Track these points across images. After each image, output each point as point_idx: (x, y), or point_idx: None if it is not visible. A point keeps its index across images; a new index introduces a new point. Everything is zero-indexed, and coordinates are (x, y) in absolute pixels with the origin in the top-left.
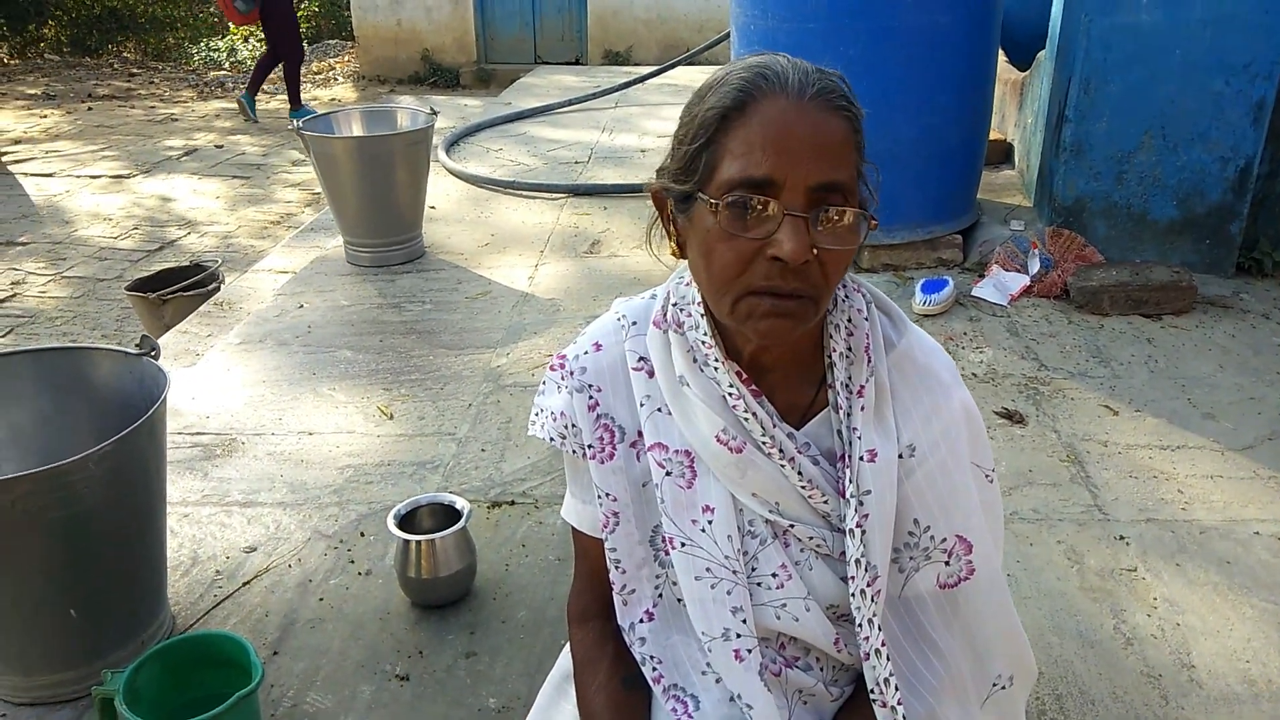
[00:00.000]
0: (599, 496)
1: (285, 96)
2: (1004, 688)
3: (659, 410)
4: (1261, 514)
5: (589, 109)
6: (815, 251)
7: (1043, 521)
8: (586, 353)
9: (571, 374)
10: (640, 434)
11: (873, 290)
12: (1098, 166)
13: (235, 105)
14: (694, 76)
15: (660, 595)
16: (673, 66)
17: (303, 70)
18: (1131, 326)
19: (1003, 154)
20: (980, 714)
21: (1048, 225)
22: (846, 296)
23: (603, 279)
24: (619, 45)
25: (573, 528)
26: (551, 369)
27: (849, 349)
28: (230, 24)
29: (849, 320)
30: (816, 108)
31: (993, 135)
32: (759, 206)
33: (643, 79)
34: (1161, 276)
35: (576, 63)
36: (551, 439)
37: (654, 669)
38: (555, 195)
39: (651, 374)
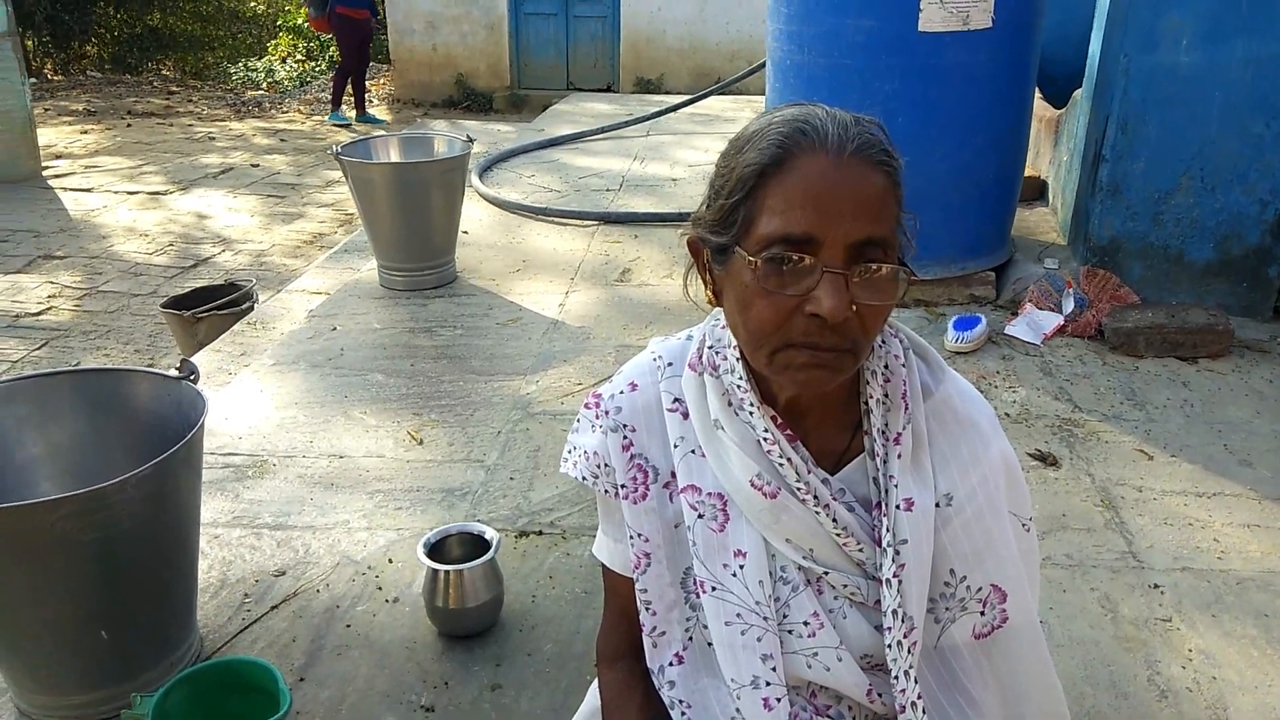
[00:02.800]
0: (631, 537)
1: (320, 118)
2: None
3: (693, 452)
4: None
5: (620, 137)
6: (854, 307)
7: (1076, 568)
8: (622, 392)
9: (607, 413)
10: (674, 475)
11: (910, 335)
12: (1134, 207)
13: (284, 124)
14: (726, 106)
15: (690, 638)
16: (705, 96)
17: (346, 86)
18: (1167, 369)
19: (1037, 191)
20: None
21: (1082, 264)
22: (884, 342)
23: (633, 308)
24: (651, 73)
25: (603, 566)
26: (586, 407)
27: (886, 395)
28: (312, 30)
29: (886, 366)
30: (857, 164)
31: (1027, 172)
32: (798, 263)
33: (675, 108)
34: (1198, 319)
35: (609, 90)
36: (584, 478)
37: (682, 713)
38: (586, 222)
39: (686, 415)
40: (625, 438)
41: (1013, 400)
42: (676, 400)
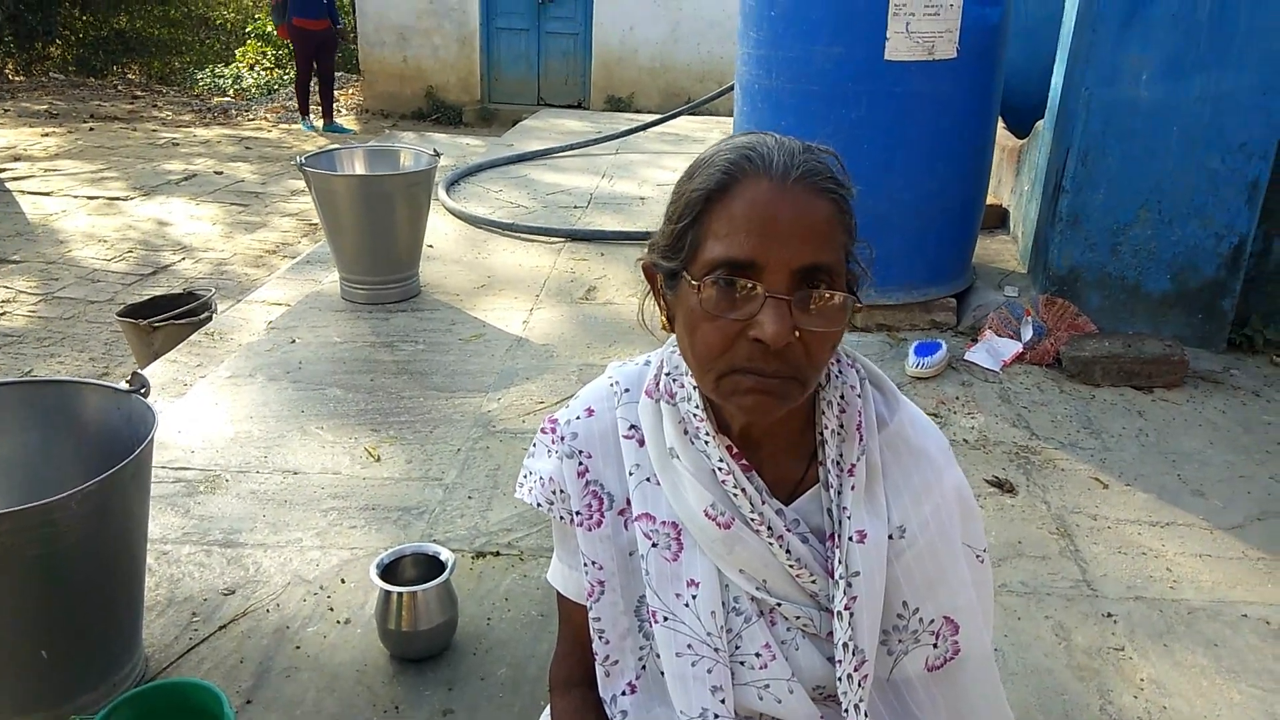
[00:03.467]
0: (585, 564)
1: (287, 126)
2: None
3: (648, 480)
4: (1250, 596)
5: (589, 154)
6: (798, 333)
7: (1031, 595)
8: (579, 418)
9: (562, 439)
10: (629, 503)
11: (867, 365)
12: (1093, 237)
13: (250, 132)
14: (695, 127)
15: (644, 667)
16: (674, 116)
17: (312, 94)
18: (1123, 398)
19: (998, 219)
20: None
21: (1041, 293)
22: (840, 373)
23: (597, 326)
24: (621, 91)
25: (558, 593)
26: (543, 431)
27: (841, 426)
28: (280, 39)
29: (842, 397)
30: (801, 190)
31: (989, 200)
32: (742, 288)
33: (645, 127)
34: (1154, 349)
35: (579, 106)
36: (539, 504)
37: None
38: (553, 239)
39: (642, 443)
40: (580, 464)
41: (971, 426)
42: (633, 427)
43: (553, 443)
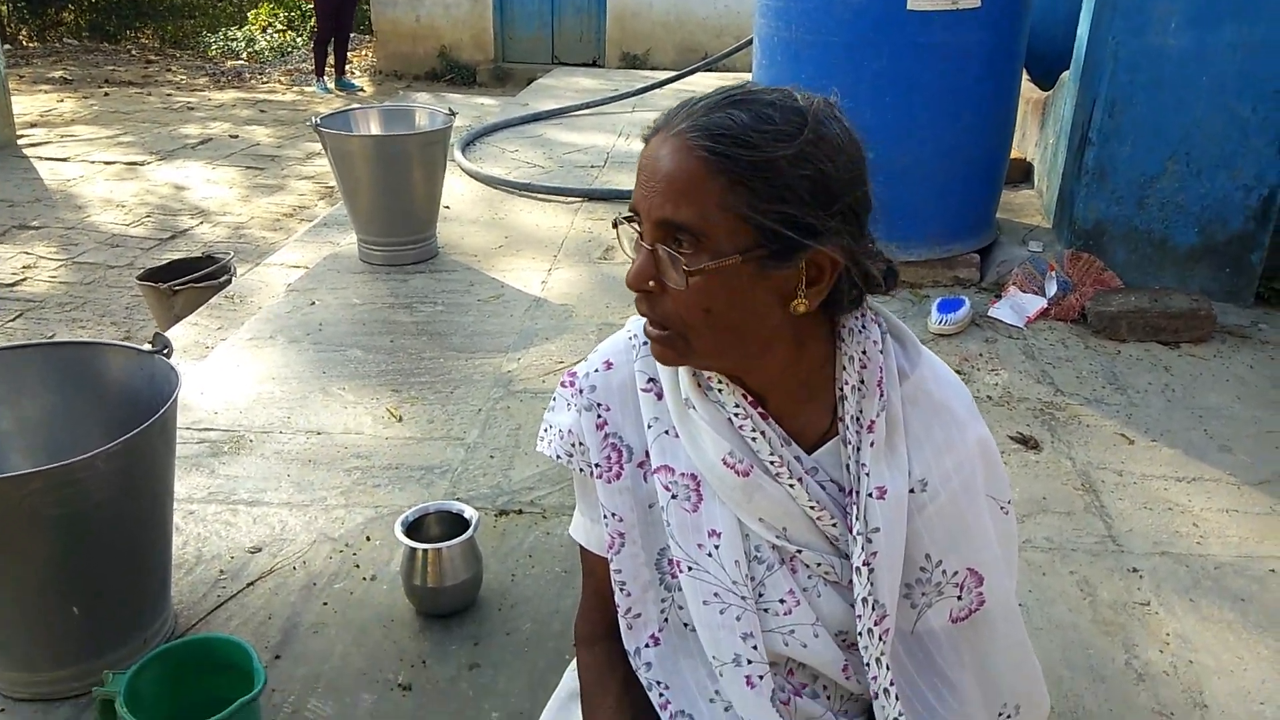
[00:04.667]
0: (605, 516)
1: (301, 88)
2: (1009, 717)
3: (666, 433)
4: (1277, 551)
5: (605, 113)
6: (652, 284)
7: (1055, 551)
8: (597, 370)
9: (581, 392)
10: (648, 455)
11: (889, 318)
12: (1120, 190)
13: (265, 95)
14: (712, 83)
15: (666, 620)
16: (691, 73)
17: (329, 55)
18: (1149, 354)
19: (1022, 173)
20: None
21: (1067, 248)
22: (863, 327)
23: (616, 286)
24: (637, 48)
25: (580, 546)
26: (562, 385)
27: (861, 382)
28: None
29: (864, 353)
30: (674, 145)
31: (1013, 154)
32: (635, 232)
33: (661, 84)
34: (1180, 304)
35: (594, 64)
36: (559, 456)
37: (660, 694)
38: (570, 199)
39: (660, 396)
40: (599, 416)
41: (995, 383)
42: (651, 380)
43: (571, 396)
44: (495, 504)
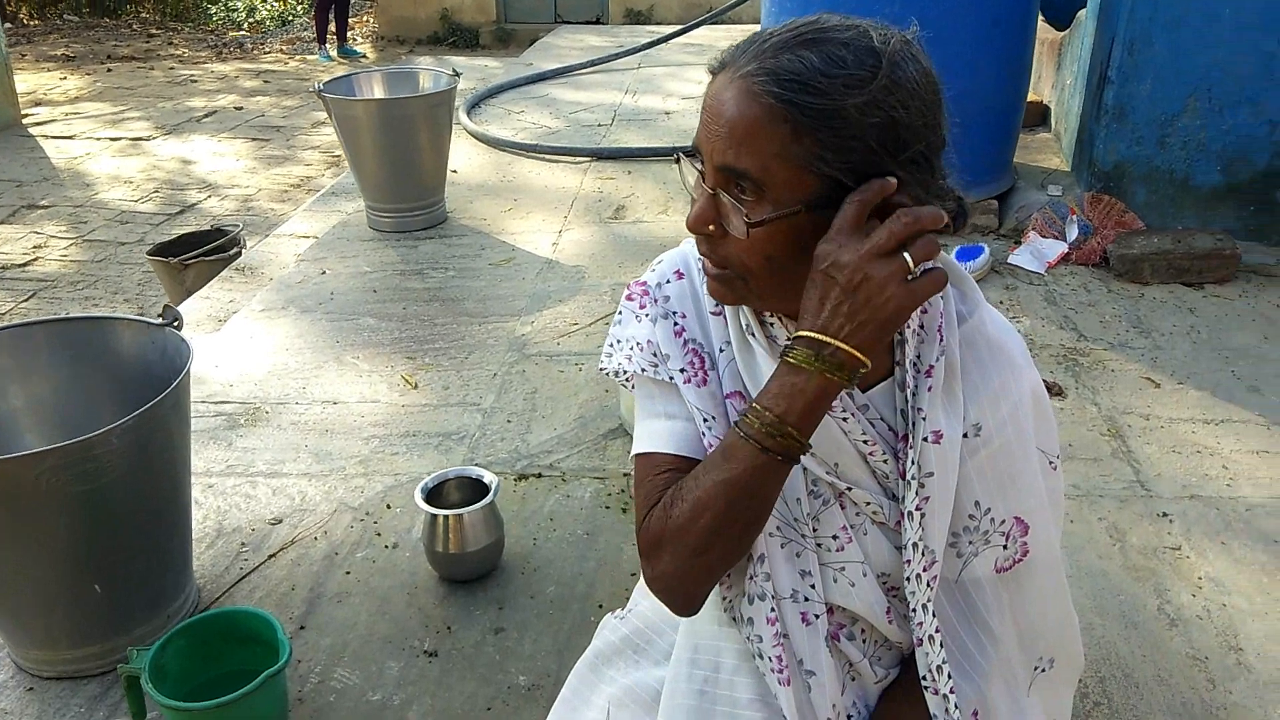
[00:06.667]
0: (704, 419)
1: (304, 57)
2: (1044, 670)
3: (733, 361)
4: None
5: (611, 70)
6: (711, 228)
7: (1084, 498)
8: (669, 281)
9: (655, 301)
10: (720, 378)
11: (948, 262)
12: (1140, 130)
13: (268, 65)
14: (719, 37)
15: None
16: (696, 26)
17: (330, 22)
18: (1173, 296)
19: (1039, 116)
20: (1027, 699)
21: (1087, 190)
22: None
23: (627, 245)
24: (641, 4)
25: (646, 460)
26: (629, 298)
27: (921, 327)
28: None
29: None
30: (739, 88)
31: (1029, 97)
32: (696, 171)
33: (666, 39)
34: (1204, 244)
35: (598, 22)
36: (642, 369)
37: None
38: (578, 159)
39: (726, 322)
40: (676, 324)
41: (1017, 330)
42: (717, 303)
43: (642, 306)
44: (514, 468)
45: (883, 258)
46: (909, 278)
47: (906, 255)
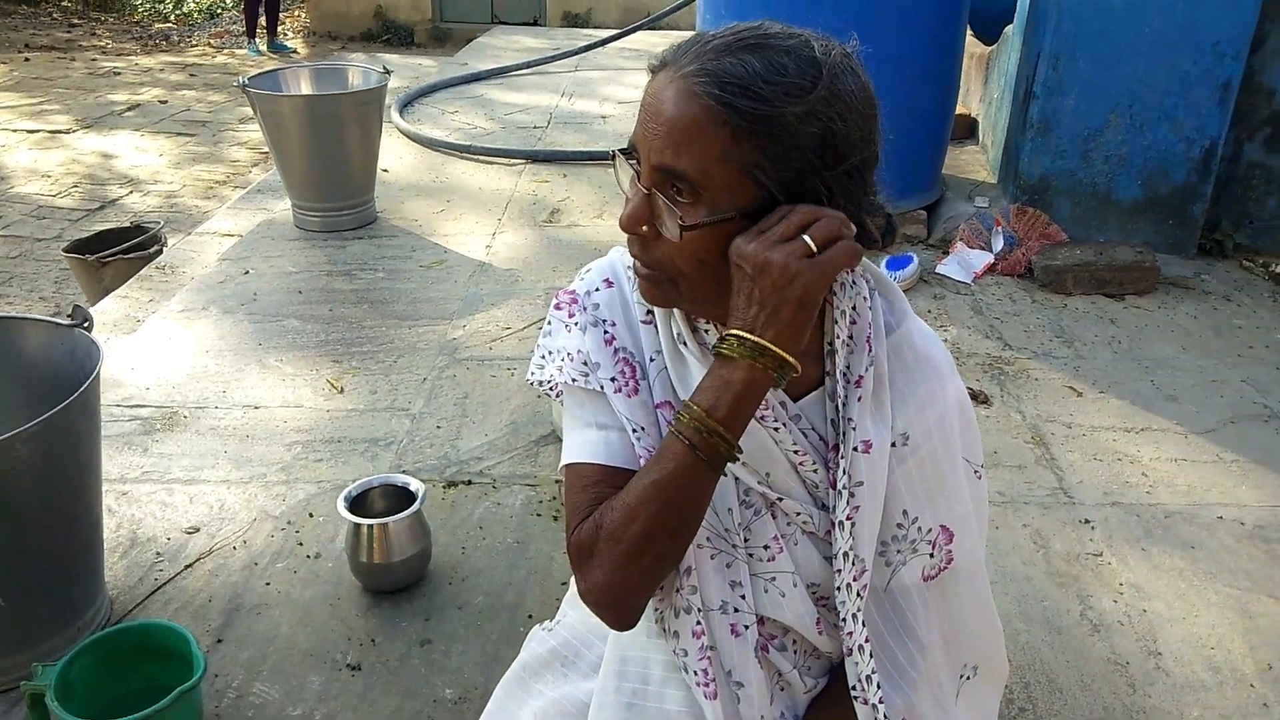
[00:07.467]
0: (633, 429)
1: (232, 51)
2: (969, 678)
3: (664, 370)
4: (1224, 498)
5: (548, 72)
6: (645, 229)
7: (1008, 504)
8: (598, 289)
9: (584, 309)
10: (651, 387)
11: (876, 273)
12: (1064, 144)
13: (195, 59)
14: (656, 41)
15: None
16: (634, 30)
17: (260, 15)
18: (1095, 306)
19: (967, 129)
20: (954, 707)
21: (1012, 203)
22: (854, 283)
23: (562, 249)
24: (579, 6)
25: (576, 470)
26: (557, 307)
27: (850, 338)
28: None
29: (854, 308)
30: (679, 88)
31: (958, 110)
32: (632, 170)
33: (603, 42)
34: (1125, 256)
35: (535, 23)
36: (572, 380)
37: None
38: (513, 161)
39: (657, 330)
40: (606, 332)
41: (944, 339)
42: (649, 311)
43: (571, 315)
44: (443, 475)
45: (783, 243)
46: (810, 256)
47: (805, 237)
